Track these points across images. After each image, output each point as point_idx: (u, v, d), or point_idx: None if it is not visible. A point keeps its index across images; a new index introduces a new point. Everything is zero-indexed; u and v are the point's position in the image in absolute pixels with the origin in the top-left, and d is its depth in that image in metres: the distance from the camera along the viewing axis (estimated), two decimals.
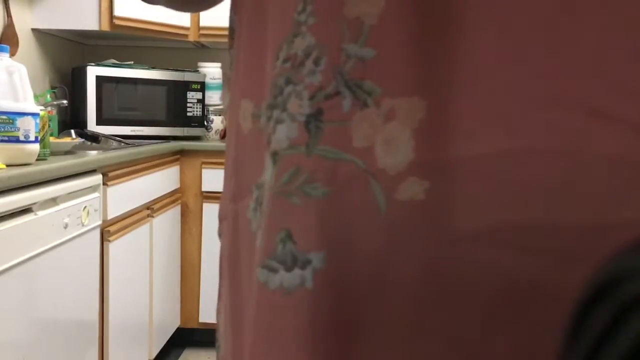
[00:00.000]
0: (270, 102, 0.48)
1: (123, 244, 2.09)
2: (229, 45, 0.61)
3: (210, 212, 2.79)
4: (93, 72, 2.75)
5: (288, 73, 0.46)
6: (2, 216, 1.36)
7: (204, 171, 2.81)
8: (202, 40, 3.04)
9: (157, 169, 2.48)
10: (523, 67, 0.40)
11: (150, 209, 2.40)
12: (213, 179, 2.78)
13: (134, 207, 2.23)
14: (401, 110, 0.41)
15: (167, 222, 2.62)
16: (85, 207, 1.77)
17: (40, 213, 1.52)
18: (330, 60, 0.44)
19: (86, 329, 1.84)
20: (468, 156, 0.40)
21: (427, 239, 0.41)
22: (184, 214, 2.82)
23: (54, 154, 1.84)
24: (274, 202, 0.46)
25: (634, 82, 0.38)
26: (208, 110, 3.15)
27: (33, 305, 1.51)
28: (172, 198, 2.70)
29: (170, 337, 2.73)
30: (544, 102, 0.39)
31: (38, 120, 1.60)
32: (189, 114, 3.02)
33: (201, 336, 2.87)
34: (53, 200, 1.60)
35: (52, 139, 1.99)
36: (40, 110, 1.65)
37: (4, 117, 1.51)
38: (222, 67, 3.24)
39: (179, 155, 2.79)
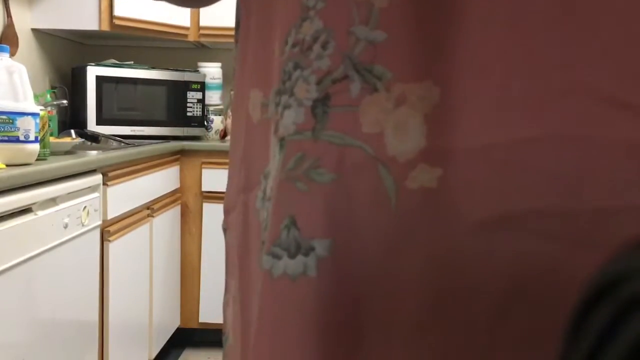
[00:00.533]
0: (279, 87, 0.47)
1: (123, 244, 2.09)
2: (235, 40, 0.61)
3: (210, 212, 2.79)
4: (93, 72, 2.75)
5: (296, 58, 0.46)
6: (2, 216, 1.35)
7: (204, 171, 2.80)
8: (202, 40, 3.04)
9: (157, 169, 2.48)
10: (537, 55, 0.39)
11: (150, 209, 2.40)
12: (213, 179, 2.78)
13: (134, 207, 2.23)
14: (413, 96, 0.41)
15: (167, 222, 2.62)
16: (85, 207, 1.77)
17: (40, 213, 1.52)
18: (338, 44, 0.43)
19: (86, 329, 1.84)
20: (482, 144, 0.40)
21: (439, 227, 0.40)
22: (184, 214, 2.82)
23: (54, 154, 1.83)
24: (280, 188, 0.46)
25: None
26: (208, 110, 3.15)
27: (33, 306, 1.50)
28: (172, 198, 2.70)
29: (170, 337, 2.73)
30: (558, 90, 0.39)
31: (38, 120, 1.60)
32: (189, 114, 3.02)
33: (201, 336, 2.87)
34: (53, 200, 1.60)
35: (52, 139, 1.99)
36: (40, 110, 1.65)
37: (4, 117, 1.51)
38: (222, 67, 3.24)
39: (179, 155, 2.79)
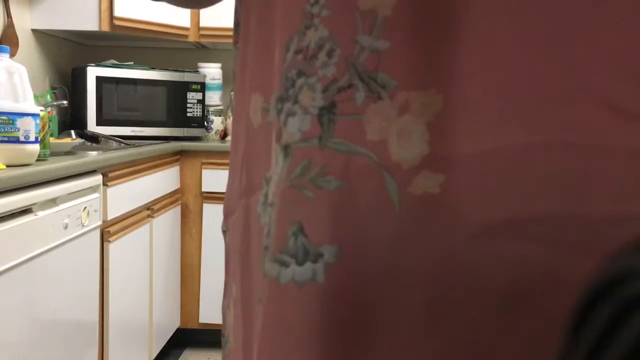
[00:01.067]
0: (281, 94, 0.47)
1: (123, 244, 2.09)
2: (234, 40, 0.61)
3: (210, 213, 2.79)
4: (93, 73, 2.75)
5: (300, 65, 0.46)
6: (2, 216, 1.36)
7: (204, 172, 2.81)
8: (202, 40, 3.04)
9: (157, 169, 2.48)
10: (539, 60, 0.39)
11: (151, 209, 2.40)
12: (213, 179, 2.78)
13: (134, 207, 2.23)
14: (416, 103, 0.41)
15: (167, 222, 2.62)
16: (85, 207, 1.77)
17: (40, 213, 1.52)
18: (344, 53, 0.43)
19: (86, 330, 1.84)
20: (484, 150, 0.40)
21: (443, 233, 0.40)
22: (184, 215, 2.82)
23: (54, 154, 1.84)
24: (285, 195, 0.46)
25: None
26: (208, 111, 3.15)
27: (33, 306, 1.50)
28: (172, 198, 2.70)
29: (170, 338, 2.73)
30: (561, 97, 0.39)
31: (38, 121, 1.60)
32: (189, 114, 3.02)
33: (201, 337, 2.87)
34: (53, 201, 1.60)
35: (52, 140, 1.99)
36: (40, 110, 1.65)
37: (4, 117, 1.51)
38: (222, 68, 3.24)
39: (179, 156, 2.79)
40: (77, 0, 2.66)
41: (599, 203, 0.38)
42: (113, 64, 2.92)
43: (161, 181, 2.55)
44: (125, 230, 2.12)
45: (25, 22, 2.62)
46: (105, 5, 2.68)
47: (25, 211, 1.46)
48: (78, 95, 2.79)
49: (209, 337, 2.81)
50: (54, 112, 2.55)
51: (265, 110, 0.51)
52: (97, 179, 1.89)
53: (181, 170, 2.81)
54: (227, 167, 0.62)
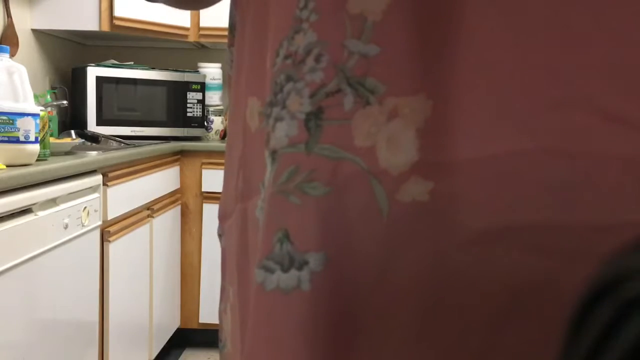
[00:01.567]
0: (271, 99, 0.47)
1: (123, 244, 2.09)
2: (229, 43, 0.60)
3: (210, 213, 2.79)
4: (93, 73, 2.75)
5: (288, 70, 0.45)
6: (2, 216, 1.35)
7: (204, 172, 2.81)
8: (202, 40, 3.04)
9: (157, 169, 2.48)
10: (533, 67, 0.39)
11: (150, 209, 2.40)
12: (213, 179, 2.78)
13: (134, 207, 2.23)
14: (405, 109, 0.41)
15: (167, 222, 2.62)
16: (85, 207, 1.77)
17: (40, 213, 1.52)
18: (332, 58, 0.43)
19: (86, 329, 1.84)
20: (475, 156, 0.39)
21: (431, 241, 0.40)
22: (184, 215, 2.82)
23: (54, 154, 1.83)
24: (272, 201, 0.45)
25: None
26: (208, 111, 3.15)
27: (33, 306, 1.50)
28: (172, 198, 2.70)
29: (170, 338, 2.73)
30: (554, 103, 0.39)
31: (38, 121, 1.60)
32: (189, 114, 3.02)
33: (201, 337, 2.87)
34: (53, 201, 1.60)
35: (52, 140, 1.99)
36: (40, 110, 1.65)
37: (4, 117, 1.51)
38: (222, 68, 3.24)
39: (179, 156, 2.79)
40: (77, 0, 2.66)
41: (592, 210, 0.38)
42: (113, 64, 2.92)
43: (161, 181, 2.55)
44: (125, 230, 2.12)
45: (25, 22, 2.62)
46: (105, 5, 2.68)
47: (25, 211, 1.46)
48: (78, 95, 2.79)
49: (209, 337, 2.81)
50: (54, 112, 2.55)
51: (262, 114, 0.51)
52: (97, 179, 1.89)
53: (181, 170, 2.81)
54: None
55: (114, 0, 2.69)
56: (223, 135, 3.20)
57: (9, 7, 2.45)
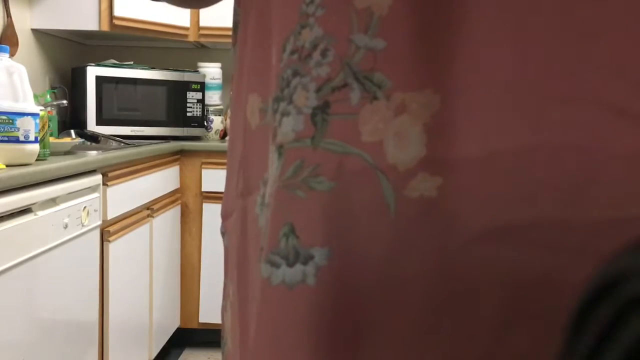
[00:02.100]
0: (277, 94, 0.47)
1: (123, 244, 2.09)
2: (233, 42, 0.60)
3: (210, 212, 2.79)
4: (93, 72, 2.75)
5: (295, 65, 0.45)
6: (2, 216, 1.35)
7: (203, 171, 2.81)
8: (202, 40, 3.04)
9: (157, 169, 2.48)
10: (540, 61, 0.39)
11: (150, 209, 2.40)
12: (213, 179, 2.78)
13: (134, 207, 2.23)
14: (412, 104, 0.40)
15: (167, 222, 2.62)
16: (85, 207, 1.77)
17: (40, 213, 1.52)
18: (338, 52, 0.43)
19: (86, 329, 1.84)
20: (482, 152, 0.39)
21: (439, 237, 0.40)
22: (183, 214, 2.82)
23: (53, 154, 1.83)
24: (278, 195, 0.45)
25: None
26: (208, 111, 3.15)
27: (33, 305, 1.50)
28: (172, 198, 2.70)
29: (170, 338, 2.73)
30: (560, 98, 0.39)
31: (38, 121, 1.60)
32: (188, 114, 3.02)
33: (201, 336, 2.87)
34: (53, 201, 1.60)
35: (52, 139, 1.99)
36: (40, 110, 1.65)
37: (3, 117, 1.51)
38: (222, 67, 3.24)
39: (179, 156, 2.79)
40: (77, 0, 2.66)
41: (598, 205, 0.38)
42: (113, 63, 2.92)
43: (161, 181, 2.55)
44: (125, 230, 2.12)
45: (25, 22, 2.62)
46: (105, 5, 2.68)
47: (25, 211, 1.46)
48: (78, 95, 2.79)
49: (209, 336, 2.81)
50: (54, 112, 2.55)
51: (262, 111, 0.51)
52: (97, 178, 1.89)
53: (181, 169, 2.81)
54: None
55: (114, 0, 2.69)
56: (223, 135, 3.20)
57: (8, 7, 2.45)
